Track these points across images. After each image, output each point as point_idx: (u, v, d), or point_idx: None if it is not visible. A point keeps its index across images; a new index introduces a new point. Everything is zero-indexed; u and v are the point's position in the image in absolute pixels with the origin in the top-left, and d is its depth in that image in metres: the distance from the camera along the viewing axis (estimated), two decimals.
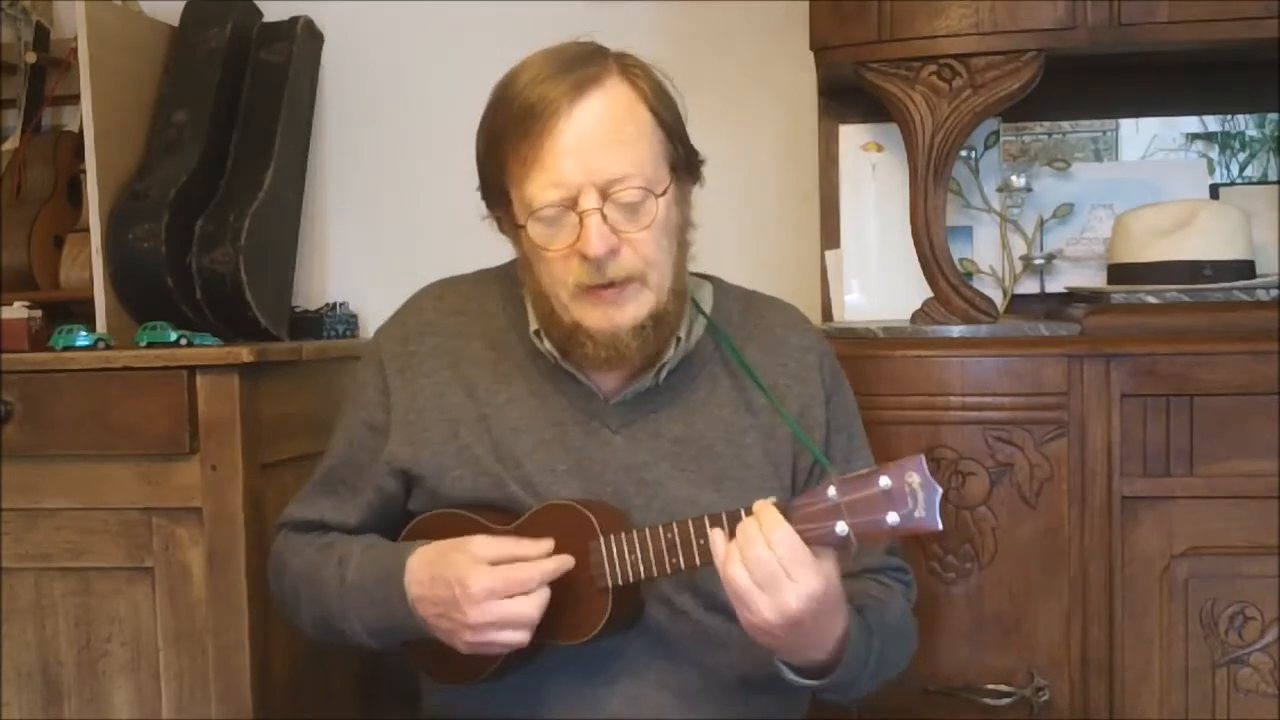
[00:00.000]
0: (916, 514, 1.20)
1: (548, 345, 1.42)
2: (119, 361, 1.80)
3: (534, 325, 1.44)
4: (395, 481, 1.47)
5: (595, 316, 1.35)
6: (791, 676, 1.32)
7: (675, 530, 1.30)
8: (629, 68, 1.37)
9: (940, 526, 1.20)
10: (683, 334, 1.43)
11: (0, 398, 1.81)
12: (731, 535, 1.25)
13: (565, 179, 1.31)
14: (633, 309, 1.35)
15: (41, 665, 1.86)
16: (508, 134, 1.34)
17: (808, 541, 1.23)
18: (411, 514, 1.48)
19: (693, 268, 1.49)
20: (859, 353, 1.71)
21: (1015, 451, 1.66)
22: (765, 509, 1.24)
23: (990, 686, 1.67)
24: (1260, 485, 1.62)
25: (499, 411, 1.44)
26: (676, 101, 1.40)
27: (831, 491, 1.22)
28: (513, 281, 1.48)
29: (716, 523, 1.28)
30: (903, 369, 1.69)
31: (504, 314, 1.49)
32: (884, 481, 1.21)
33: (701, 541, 1.28)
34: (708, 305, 1.49)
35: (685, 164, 1.40)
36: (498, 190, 1.39)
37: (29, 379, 1.81)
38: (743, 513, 1.27)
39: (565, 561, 1.33)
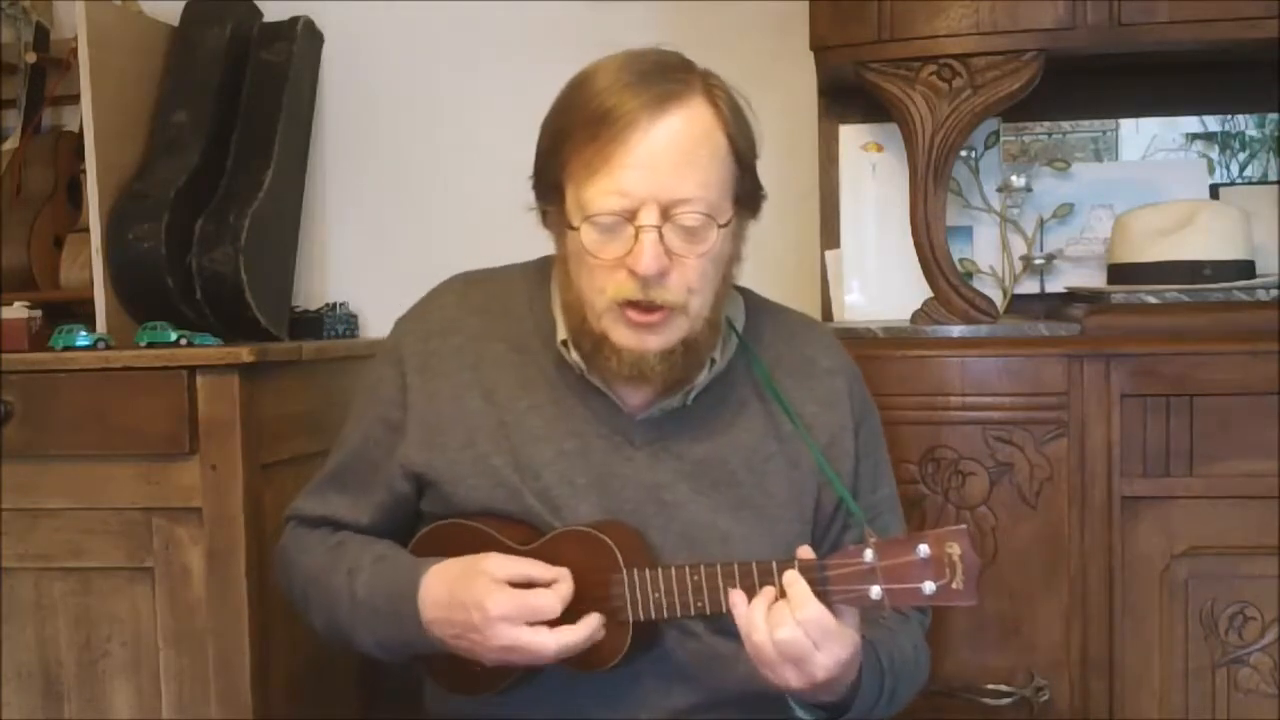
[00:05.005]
0: (954, 585, 1.19)
1: (575, 356, 1.39)
2: (119, 361, 1.80)
3: (562, 335, 1.40)
4: (409, 484, 1.44)
5: (626, 336, 1.33)
6: (800, 714, 1.31)
7: (703, 574, 1.28)
8: (713, 88, 1.34)
9: (976, 602, 1.20)
10: (717, 355, 1.40)
11: (0, 398, 1.81)
12: (757, 589, 1.24)
13: (629, 190, 1.28)
14: (665, 336, 1.33)
15: (41, 665, 1.85)
16: (576, 133, 1.31)
17: (841, 602, 1.23)
18: (423, 514, 1.46)
19: None
20: (859, 353, 1.70)
21: (1015, 451, 1.66)
22: (795, 584, 1.22)
23: (990, 686, 1.67)
24: (1260, 485, 1.62)
25: (519, 419, 1.41)
26: (754, 130, 1.37)
27: (869, 555, 1.21)
28: (540, 281, 1.45)
29: (745, 574, 1.26)
30: (903, 369, 1.69)
31: (530, 316, 1.45)
32: (923, 550, 1.20)
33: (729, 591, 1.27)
34: (739, 321, 1.46)
35: (749, 198, 1.37)
36: (553, 185, 1.36)
37: (29, 379, 1.81)
38: (774, 566, 1.25)
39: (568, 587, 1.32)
